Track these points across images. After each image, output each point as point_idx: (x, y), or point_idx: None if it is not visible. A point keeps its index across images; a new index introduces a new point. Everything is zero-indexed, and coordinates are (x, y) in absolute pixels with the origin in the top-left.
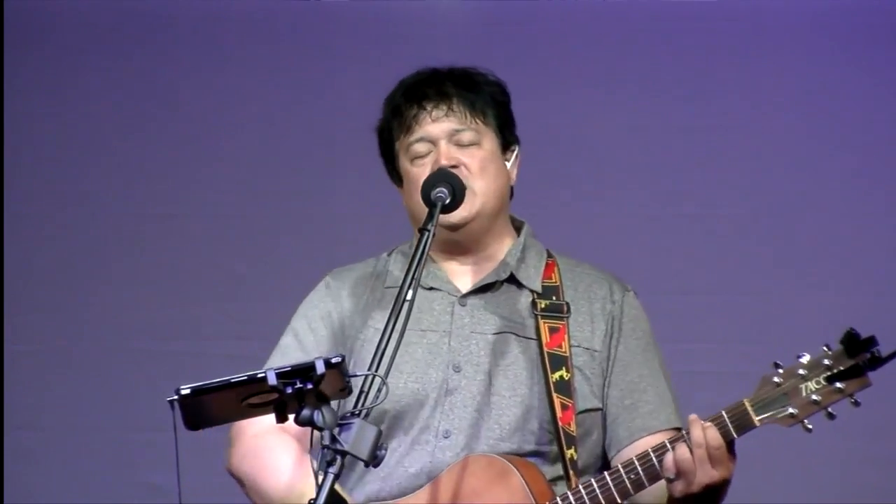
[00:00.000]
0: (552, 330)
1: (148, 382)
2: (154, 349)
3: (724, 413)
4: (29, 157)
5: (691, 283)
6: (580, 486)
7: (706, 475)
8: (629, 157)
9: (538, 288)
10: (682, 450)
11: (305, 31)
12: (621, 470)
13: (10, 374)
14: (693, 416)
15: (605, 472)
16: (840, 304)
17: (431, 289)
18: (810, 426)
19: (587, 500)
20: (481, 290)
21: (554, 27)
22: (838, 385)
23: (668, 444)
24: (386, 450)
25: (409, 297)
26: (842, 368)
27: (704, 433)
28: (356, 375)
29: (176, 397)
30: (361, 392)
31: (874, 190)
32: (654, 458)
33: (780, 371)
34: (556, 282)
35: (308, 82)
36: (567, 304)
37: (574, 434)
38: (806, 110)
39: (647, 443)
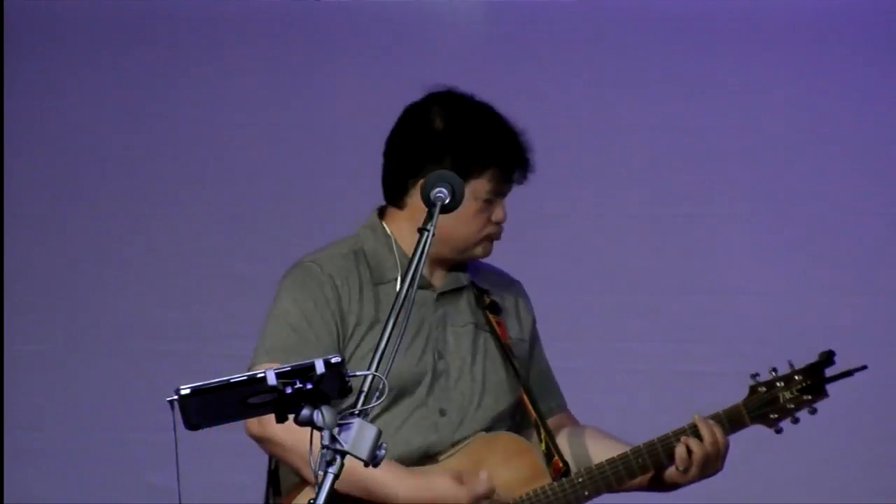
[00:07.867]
0: (498, 324)
1: (148, 382)
2: (154, 349)
3: (721, 413)
4: (29, 157)
5: (691, 283)
6: (582, 470)
7: (711, 468)
8: (629, 157)
9: (485, 286)
10: (696, 444)
11: (305, 31)
12: (630, 455)
13: (10, 374)
14: (698, 416)
15: (606, 460)
16: (840, 304)
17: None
18: (782, 427)
19: (600, 477)
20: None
21: (553, 27)
22: (806, 397)
23: (672, 438)
24: (385, 449)
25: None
26: (810, 383)
27: (713, 430)
28: (356, 375)
29: (176, 397)
30: (361, 392)
31: (874, 190)
32: (660, 448)
33: (761, 381)
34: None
35: (308, 82)
36: (494, 300)
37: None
38: (805, 110)
39: (553, 422)
